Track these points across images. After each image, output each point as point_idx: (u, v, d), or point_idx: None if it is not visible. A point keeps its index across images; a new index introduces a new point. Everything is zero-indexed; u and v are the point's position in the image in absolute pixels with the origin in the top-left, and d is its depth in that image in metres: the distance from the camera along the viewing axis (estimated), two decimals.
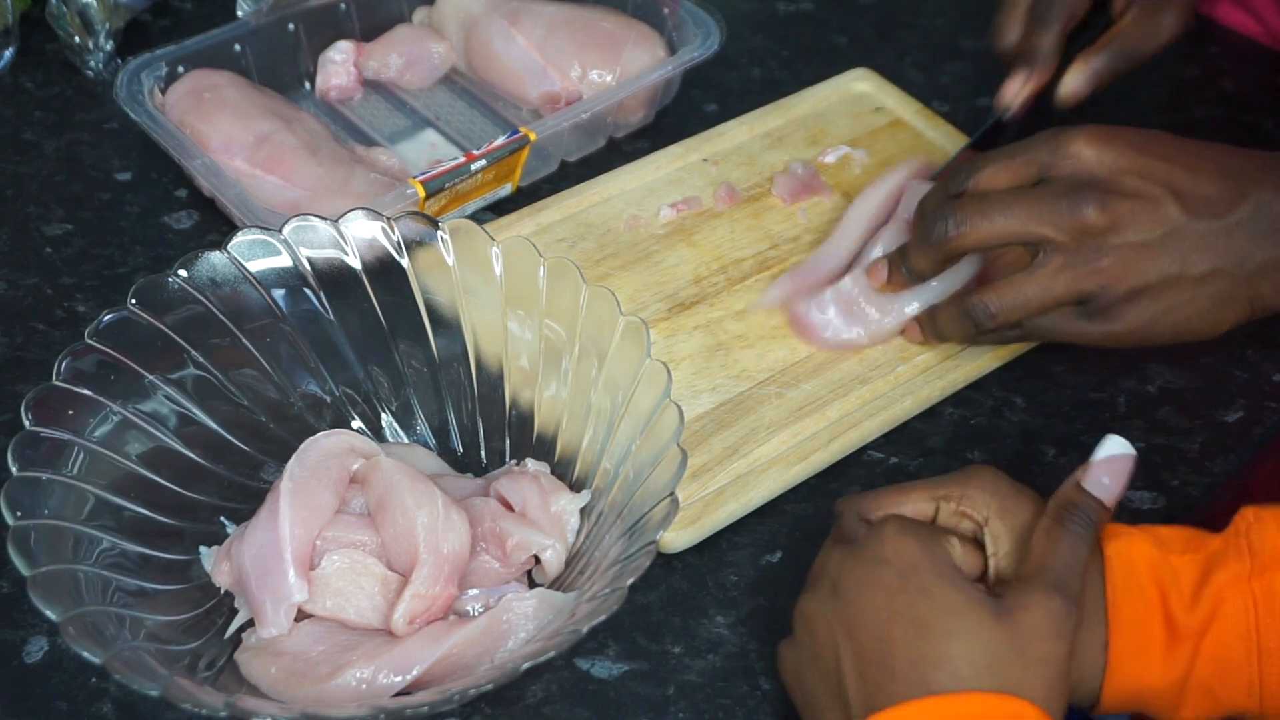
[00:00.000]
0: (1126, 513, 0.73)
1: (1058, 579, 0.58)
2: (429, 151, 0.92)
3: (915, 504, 0.64)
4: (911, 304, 0.78)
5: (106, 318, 0.65)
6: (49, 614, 0.55)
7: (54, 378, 0.63)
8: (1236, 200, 0.70)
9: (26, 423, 0.61)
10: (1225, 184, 0.70)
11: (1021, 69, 0.83)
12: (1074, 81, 0.81)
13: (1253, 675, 0.59)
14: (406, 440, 0.73)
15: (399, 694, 0.61)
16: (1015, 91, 0.83)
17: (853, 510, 0.65)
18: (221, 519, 0.68)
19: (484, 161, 0.85)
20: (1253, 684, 0.59)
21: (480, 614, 0.64)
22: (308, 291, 0.70)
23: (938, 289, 0.77)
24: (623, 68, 0.93)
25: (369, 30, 0.97)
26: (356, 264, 0.70)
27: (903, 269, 0.76)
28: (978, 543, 0.64)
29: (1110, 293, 0.70)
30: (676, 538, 0.70)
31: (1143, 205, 0.69)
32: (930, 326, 0.77)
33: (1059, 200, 0.70)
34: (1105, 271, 0.70)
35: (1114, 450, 0.63)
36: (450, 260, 0.70)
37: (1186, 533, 0.62)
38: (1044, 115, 0.83)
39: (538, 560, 0.67)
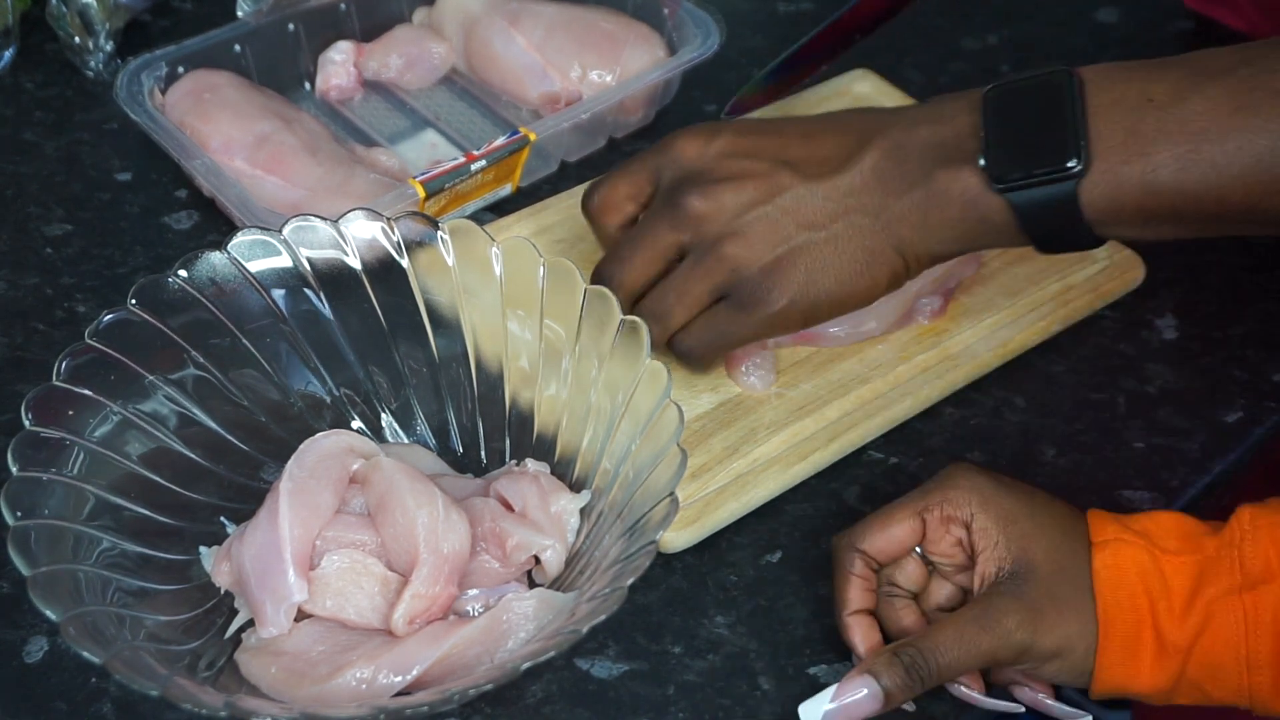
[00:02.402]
0: (1127, 513, 0.73)
1: None
2: (429, 151, 0.92)
3: (902, 523, 0.64)
4: (914, 283, 0.78)
5: (106, 318, 0.65)
6: (49, 614, 0.55)
7: (54, 378, 0.63)
8: (856, 152, 0.67)
9: (26, 423, 0.61)
10: (843, 140, 0.68)
11: None
12: None
13: (1242, 683, 0.59)
14: (406, 440, 0.73)
15: (399, 694, 0.61)
16: None
17: (846, 544, 0.65)
18: (221, 519, 0.68)
19: (484, 162, 0.85)
20: (1242, 690, 0.60)
21: (480, 614, 0.64)
22: (308, 292, 0.70)
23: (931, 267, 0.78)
24: (623, 68, 0.93)
25: (369, 30, 0.97)
26: (356, 264, 0.70)
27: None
28: (927, 563, 0.65)
29: (744, 275, 0.68)
30: (676, 538, 0.70)
31: (747, 182, 0.68)
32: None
33: (668, 201, 0.69)
34: (731, 256, 0.68)
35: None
36: (450, 260, 0.70)
37: (1183, 527, 0.62)
38: None
39: (538, 560, 0.67)
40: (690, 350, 0.71)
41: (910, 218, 0.66)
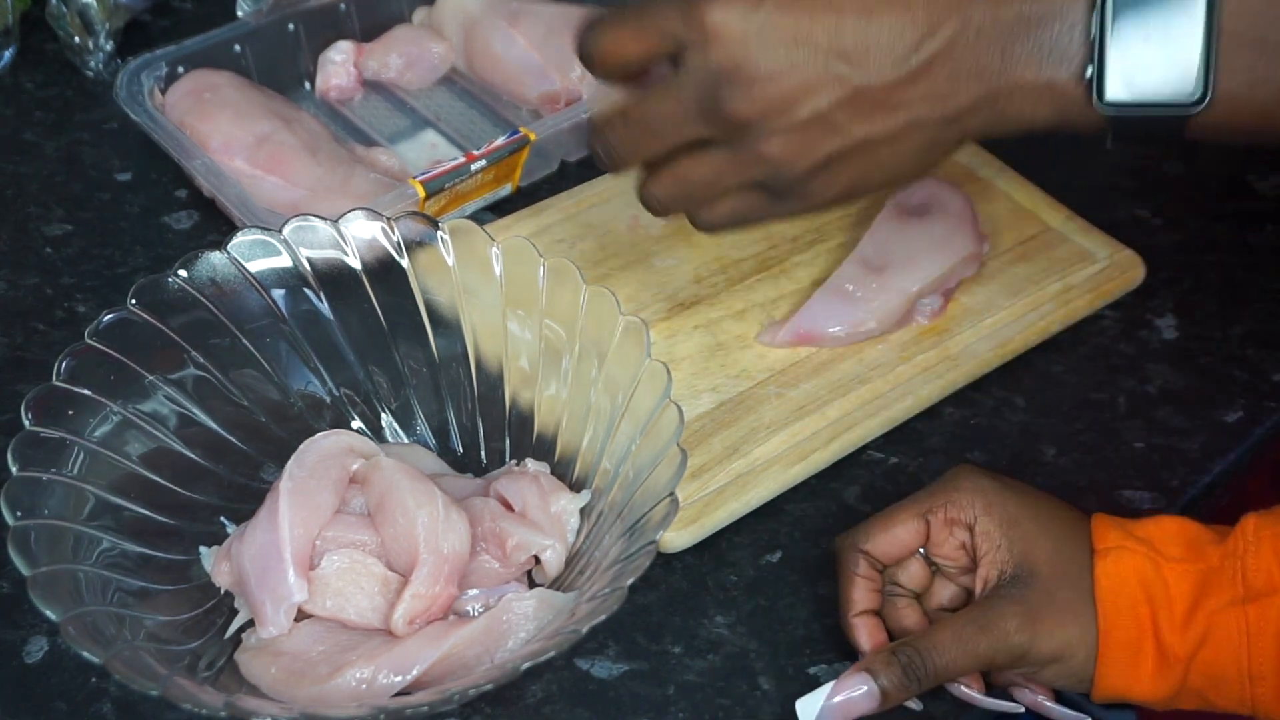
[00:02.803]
0: (1127, 512, 0.73)
1: None
2: (429, 151, 0.92)
3: (905, 525, 0.64)
4: (914, 284, 0.78)
5: (106, 318, 0.65)
6: (49, 614, 0.55)
7: (54, 378, 0.63)
8: (927, 33, 0.58)
9: (26, 423, 0.61)
10: (909, 21, 0.58)
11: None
12: None
13: (1244, 693, 0.59)
14: (406, 440, 0.73)
15: (399, 694, 0.61)
16: None
17: (849, 544, 0.65)
18: (221, 519, 0.68)
19: (484, 162, 0.85)
20: (1244, 700, 0.60)
21: (480, 614, 0.64)
22: (308, 292, 0.70)
23: (931, 268, 0.78)
24: None
25: (369, 30, 0.97)
26: (356, 264, 0.70)
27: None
28: (930, 564, 0.65)
29: (786, 175, 0.61)
30: (676, 538, 0.70)
31: (799, 79, 0.58)
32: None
33: (701, 99, 0.59)
34: (774, 157, 0.60)
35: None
36: (450, 260, 0.70)
37: (1187, 533, 0.62)
38: None
39: (538, 560, 0.67)
40: (711, 225, 0.66)
41: (982, 111, 0.59)
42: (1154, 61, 0.57)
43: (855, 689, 0.61)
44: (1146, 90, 0.57)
